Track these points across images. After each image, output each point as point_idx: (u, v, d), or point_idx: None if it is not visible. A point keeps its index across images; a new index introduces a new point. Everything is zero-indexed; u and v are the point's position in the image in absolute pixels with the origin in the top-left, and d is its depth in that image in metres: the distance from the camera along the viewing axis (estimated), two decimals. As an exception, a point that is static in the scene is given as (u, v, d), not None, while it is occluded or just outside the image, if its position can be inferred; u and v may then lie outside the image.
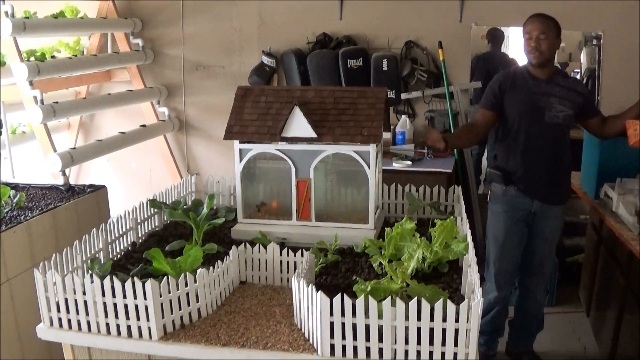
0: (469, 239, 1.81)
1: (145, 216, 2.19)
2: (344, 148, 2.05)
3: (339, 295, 1.41)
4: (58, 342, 1.67)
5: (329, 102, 2.10)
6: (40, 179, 3.34)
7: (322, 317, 1.43)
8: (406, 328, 1.40)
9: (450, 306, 1.37)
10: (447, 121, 4.00)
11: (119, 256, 2.00)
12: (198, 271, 1.64)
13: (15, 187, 3.03)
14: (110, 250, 1.97)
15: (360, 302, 1.40)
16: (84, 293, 1.58)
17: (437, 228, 1.85)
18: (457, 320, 1.38)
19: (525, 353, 3.08)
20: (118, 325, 1.58)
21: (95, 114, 4.64)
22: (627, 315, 2.65)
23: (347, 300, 1.41)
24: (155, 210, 2.24)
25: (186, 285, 1.60)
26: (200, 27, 4.44)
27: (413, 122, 4.19)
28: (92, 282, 1.57)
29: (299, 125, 2.04)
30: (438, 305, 1.37)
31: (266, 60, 4.25)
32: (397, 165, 3.69)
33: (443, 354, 1.40)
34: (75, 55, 4.06)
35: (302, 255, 1.81)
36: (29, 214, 2.65)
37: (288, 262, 1.84)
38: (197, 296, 1.63)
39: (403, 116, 4.15)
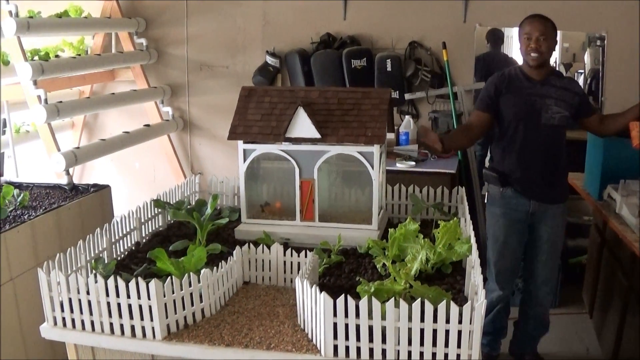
0: (473, 240, 1.80)
1: (149, 216, 2.20)
2: (348, 149, 2.05)
3: (342, 296, 1.41)
4: (62, 342, 1.67)
5: (332, 102, 2.10)
6: (44, 178, 3.35)
7: (326, 318, 1.43)
8: (409, 329, 1.40)
9: (454, 307, 1.37)
10: (450, 122, 4.00)
11: (122, 256, 2.01)
12: (202, 271, 1.64)
13: (19, 186, 3.04)
14: (114, 250, 1.97)
15: (363, 303, 1.40)
16: (87, 293, 1.58)
17: (440, 229, 1.85)
18: (460, 322, 1.37)
19: (529, 354, 3.08)
20: (122, 325, 1.58)
21: (99, 113, 4.66)
22: (630, 317, 2.65)
23: (351, 301, 1.41)
24: (159, 210, 2.24)
25: (190, 285, 1.61)
26: (204, 26, 4.44)
27: (417, 122, 4.18)
28: (96, 281, 1.57)
29: (302, 125, 2.04)
30: (441, 306, 1.37)
31: (270, 60, 4.25)
32: (400, 165, 3.69)
33: (446, 355, 1.40)
34: (79, 55, 4.06)
35: (306, 256, 1.81)
36: (33, 213, 2.66)
37: (292, 262, 1.84)
38: (200, 296, 1.63)
39: (407, 117, 4.15)
